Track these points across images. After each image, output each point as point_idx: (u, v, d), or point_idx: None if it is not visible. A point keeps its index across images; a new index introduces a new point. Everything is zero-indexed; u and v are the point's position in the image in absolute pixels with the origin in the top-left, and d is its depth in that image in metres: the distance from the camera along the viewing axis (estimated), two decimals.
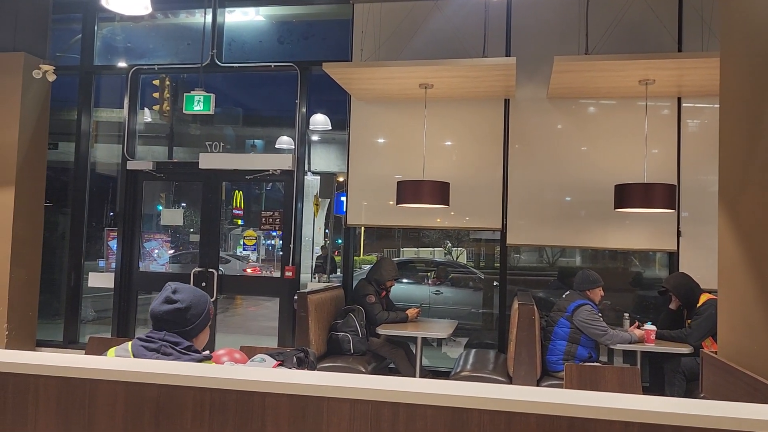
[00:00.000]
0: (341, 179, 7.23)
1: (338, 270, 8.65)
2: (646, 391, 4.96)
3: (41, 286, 6.71)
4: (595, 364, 4.60)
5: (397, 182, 5.28)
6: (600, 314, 4.87)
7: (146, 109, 7.12)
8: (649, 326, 4.80)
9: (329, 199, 9.36)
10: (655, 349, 4.75)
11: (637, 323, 5.03)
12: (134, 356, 2.15)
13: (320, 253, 6.65)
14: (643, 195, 4.80)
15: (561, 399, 1.70)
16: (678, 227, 5.57)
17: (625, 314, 5.27)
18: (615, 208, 5.05)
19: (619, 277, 6.50)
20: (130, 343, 2.23)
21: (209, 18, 6.64)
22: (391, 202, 6.00)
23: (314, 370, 2.73)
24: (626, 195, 4.89)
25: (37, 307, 6.63)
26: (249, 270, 7.28)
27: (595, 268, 5.61)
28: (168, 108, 6.95)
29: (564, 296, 5.06)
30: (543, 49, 5.80)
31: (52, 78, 6.07)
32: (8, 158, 6.28)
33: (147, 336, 2.20)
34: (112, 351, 2.24)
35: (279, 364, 2.33)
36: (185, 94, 6.18)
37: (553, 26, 5.83)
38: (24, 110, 6.36)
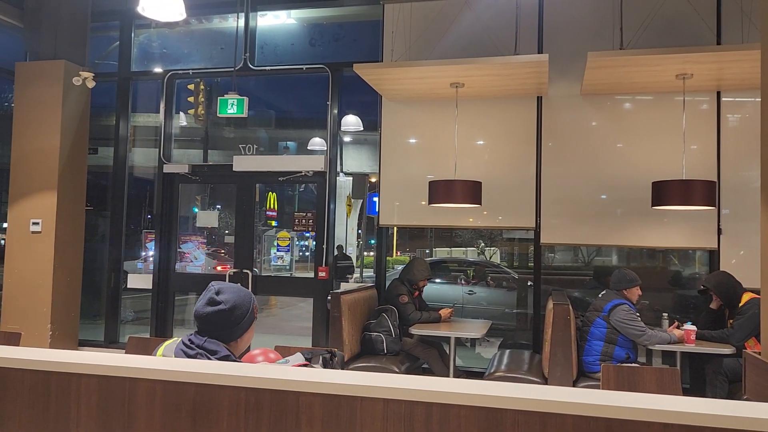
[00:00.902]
0: (373, 180, 7.25)
1: (355, 271, 8.65)
2: (687, 392, 4.85)
3: (83, 288, 6.90)
4: (633, 364, 4.52)
5: (429, 182, 5.27)
6: (638, 314, 4.77)
7: (181, 113, 7.26)
8: (689, 326, 4.68)
9: (362, 200, 9.40)
10: (696, 349, 4.63)
11: (676, 323, 4.91)
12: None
13: (336, 253, 6.64)
14: (682, 192, 4.69)
15: (598, 400, 1.67)
16: (718, 225, 5.42)
17: (664, 314, 5.15)
18: (653, 205, 4.94)
19: (657, 276, 6.37)
20: (176, 343, 2.27)
21: (242, 22, 6.73)
22: (423, 202, 5.99)
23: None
24: (664, 192, 4.79)
25: (79, 308, 6.82)
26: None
27: (632, 267, 5.50)
28: (203, 112, 7.06)
29: (600, 296, 4.98)
30: (576, 45, 5.72)
31: (91, 85, 6.24)
32: (50, 163, 6.47)
33: (189, 340, 2.23)
34: (161, 350, 2.29)
35: (303, 365, 2.35)
36: (219, 97, 6.27)
37: (586, 21, 5.74)
38: (65, 117, 6.55)
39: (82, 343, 6.97)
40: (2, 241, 7.25)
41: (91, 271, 7.32)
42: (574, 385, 4.64)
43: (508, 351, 5.69)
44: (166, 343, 2.32)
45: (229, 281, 6.58)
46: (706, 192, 4.68)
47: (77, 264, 6.80)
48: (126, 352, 3.17)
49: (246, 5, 6.72)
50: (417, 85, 5.55)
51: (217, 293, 2.26)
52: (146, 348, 3.12)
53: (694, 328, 4.67)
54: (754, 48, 4.34)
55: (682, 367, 4.81)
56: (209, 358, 2.17)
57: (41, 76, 6.55)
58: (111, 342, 7.05)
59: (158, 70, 7.14)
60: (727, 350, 4.55)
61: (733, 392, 4.58)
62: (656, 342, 4.64)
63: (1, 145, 7.58)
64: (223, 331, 2.25)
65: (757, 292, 4.38)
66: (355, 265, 9.25)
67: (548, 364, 4.59)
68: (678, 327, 4.81)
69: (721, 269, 5.24)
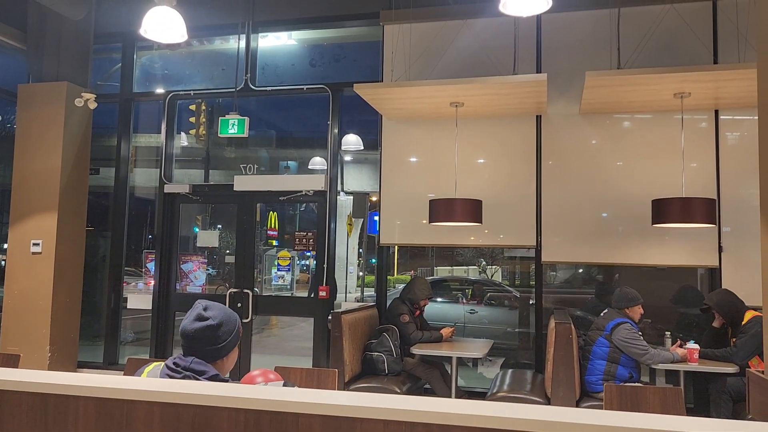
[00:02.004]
0: (374, 199, 7.26)
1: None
2: (691, 412, 4.80)
3: (82, 308, 6.87)
4: (636, 384, 4.48)
5: (430, 200, 5.27)
6: (640, 333, 4.75)
7: (183, 134, 7.29)
8: (692, 345, 4.65)
9: (362, 219, 9.40)
10: (699, 368, 4.60)
11: (679, 342, 4.89)
12: None
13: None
14: (682, 210, 4.70)
15: (602, 420, 1.65)
16: (719, 242, 5.42)
17: (667, 333, 5.12)
18: (653, 223, 4.94)
19: (659, 295, 6.33)
20: (161, 367, 2.23)
21: (243, 43, 6.80)
22: (424, 221, 6.00)
23: None
24: (664, 210, 4.79)
25: (78, 329, 6.79)
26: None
27: (633, 286, 5.48)
28: (204, 132, 7.10)
29: (602, 314, 4.95)
30: (574, 65, 5.77)
31: (93, 106, 6.28)
32: (52, 183, 6.49)
33: (174, 363, 2.18)
34: (145, 373, 2.26)
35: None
36: (220, 118, 6.31)
37: (584, 41, 5.79)
38: (66, 137, 6.58)
39: (82, 365, 6.92)
40: (2, 262, 7.24)
41: (91, 291, 7.30)
42: (577, 405, 4.60)
43: (510, 371, 5.65)
44: (148, 368, 2.27)
45: (230, 301, 6.59)
46: (706, 210, 4.68)
47: (77, 285, 6.79)
48: (125, 374, 3.15)
49: (247, 27, 6.80)
50: (417, 104, 5.58)
51: (205, 309, 2.24)
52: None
53: (697, 346, 4.64)
54: (751, 67, 4.38)
55: (685, 387, 4.77)
56: (197, 380, 2.13)
57: (43, 97, 6.60)
58: (110, 363, 7.01)
59: (160, 91, 7.19)
60: (730, 369, 4.52)
61: (737, 412, 4.53)
62: (659, 361, 4.61)
63: (2, 165, 7.61)
64: (211, 349, 2.21)
65: (759, 309, 4.37)
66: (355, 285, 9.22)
67: (551, 384, 4.56)
68: (681, 346, 4.78)
69: (723, 287, 5.22)
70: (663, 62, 5.51)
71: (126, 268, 7.26)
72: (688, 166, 5.49)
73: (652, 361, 4.62)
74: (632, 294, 4.89)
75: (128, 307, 7.06)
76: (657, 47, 5.58)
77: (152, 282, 6.98)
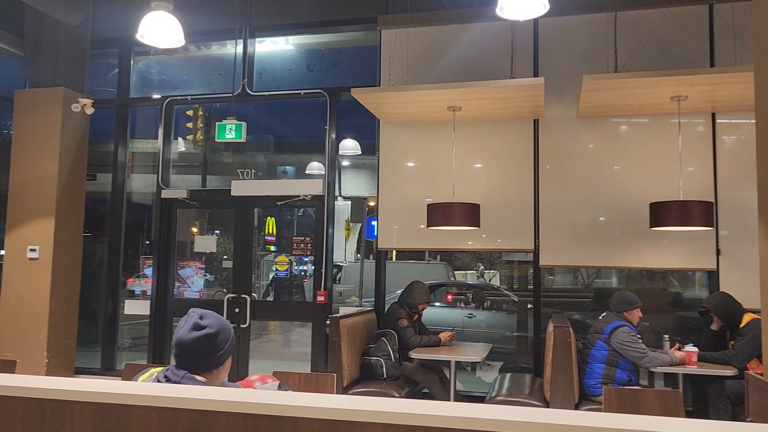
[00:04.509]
0: (372, 203, 7.26)
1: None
2: (690, 415, 4.79)
3: (80, 314, 6.84)
4: (635, 387, 4.47)
5: (428, 205, 5.27)
6: (639, 336, 4.74)
7: (180, 139, 7.29)
8: (691, 348, 4.65)
9: (360, 224, 9.40)
10: (698, 371, 4.59)
11: (677, 345, 4.88)
12: None
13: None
14: (680, 213, 4.70)
15: (601, 422, 1.65)
16: (717, 245, 5.42)
17: (665, 336, 5.11)
18: (651, 226, 4.94)
19: (657, 298, 6.34)
20: (152, 378, 2.20)
21: (240, 48, 6.80)
22: (422, 226, 5.99)
23: None
24: (662, 213, 4.79)
25: (75, 335, 6.77)
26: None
27: (632, 289, 5.48)
28: (201, 137, 7.09)
29: (601, 318, 4.95)
30: (571, 69, 5.78)
31: (90, 111, 6.27)
32: (48, 189, 6.48)
33: (165, 377, 2.14)
34: (143, 378, 2.24)
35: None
36: (217, 123, 6.31)
37: (581, 45, 5.80)
38: (63, 143, 6.57)
39: (79, 371, 6.89)
40: None
41: (88, 297, 7.28)
42: (576, 409, 4.59)
43: (509, 375, 5.64)
44: (142, 377, 2.24)
45: (228, 306, 6.57)
46: (703, 213, 4.68)
47: (74, 290, 6.77)
48: (122, 380, 3.13)
49: (244, 32, 6.80)
50: (414, 109, 5.58)
51: (201, 318, 2.20)
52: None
53: (695, 349, 4.63)
54: (748, 70, 4.39)
55: (684, 390, 4.76)
56: None
57: (40, 103, 6.59)
58: (108, 369, 6.98)
59: (157, 96, 7.18)
60: (729, 372, 4.51)
61: (736, 414, 4.52)
62: (658, 364, 4.60)
63: None
64: (207, 359, 2.17)
65: (757, 312, 4.36)
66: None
67: (550, 388, 4.55)
68: (679, 349, 4.78)
69: (721, 290, 5.22)
70: (660, 66, 5.53)
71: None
72: (686, 170, 5.50)
73: (650, 364, 4.61)
74: (631, 297, 4.88)
75: (126, 312, 7.04)
76: (654, 51, 5.60)
77: (149, 288, 6.96)
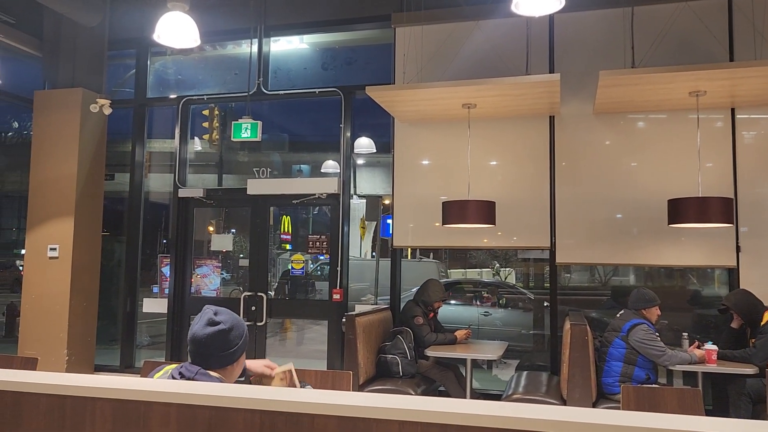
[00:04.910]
0: (387, 202, 7.26)
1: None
2: (710, 414, 4.74)
3: (99, 313, 6.92)
4: (653, 385, 4.43)
5: (443, 203, 5.26)
6: (657, 334, 4.70)
7: (196, 138, 7.34)
8: (710, 346, 4.60)
9: (375, 222, 9.39)
10: (718, 369, 4.54)
11: (697, 343, 4.83)
12: None
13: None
14: (699, 209, 4.64)
15: (620, 420, 1.63)
16: (737, 242, 5.35)
17: (684, 334, 5.06)
18: (669, 223, 4.89)
19: (676, 296, 6.27)
20: (167, 375, 2.22)
21: (255, 48, 6.83)
22: (437, 224, 5.98)
23: None
24: (681, 210, 4.74)
25: (95, 333, 6.85)
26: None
27: (650, 287, 5.42)
28: (217, 136, 7.14)
29: (618, 315, 4.91)
30: (587, 65, 5.73)
31: (108, 112, 6.34)
32: (68, 189, 6.56)
33: (179, 374, 2.17)
34: (158, 375, 2.26)
35: None
36: (233, 122, 6.34)
37: (597, 40, 5.75)
38: (82, 143, 6.65)
39: (98, 368, 6.98)
40: (20, 267, 7.32)
41: (107, 296, 7.36)
42: (593, 407, 4.55)
43: (525, 373, 5.61)
44: (157, 375, 2.26)
45: (244, 304, 6.60)
46: (723, 209, 4.62)
47: (94, 289, 6.85)
48: (141, 377, 3.16)
49: (259, 31, 6.83)
50: (429, 106, 5.57)
51: (215, 314, 2.22)
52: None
53: (715, 347, 4.58)
54: None
55: (704, 388, 4.71)
56: None
57: (59, 103, 6.68)
58: (127, 367, 7.06)
59: (173, 96, 7.24)
60: (749, 370, 4.46)
61: (757, 413, 4.47)
62: (676, 362, 4.56)
63: (20, 172, 7.70)
64: (221, 354, 2.19)
65: None
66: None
67: (567, 386, 4.52)
68: (699, 347, 4.73)
69: (741, 287, 5.15)
70: (678, 61, 5.46)
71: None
72: (704, 166, 5.43)
73: (669, 363, 4.57)
74: (649, 295, 4.84)
75: (144, 311, 7.11)
76: (671, 46, 5.53)
77: (167, 286, 7.02)
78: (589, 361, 4.49)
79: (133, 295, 7.16)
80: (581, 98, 5.75)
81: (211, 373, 2.19)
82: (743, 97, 5.10)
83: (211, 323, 2.20)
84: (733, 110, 5.43)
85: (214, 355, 2.19)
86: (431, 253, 8.89)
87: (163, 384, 2.05)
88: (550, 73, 5.78)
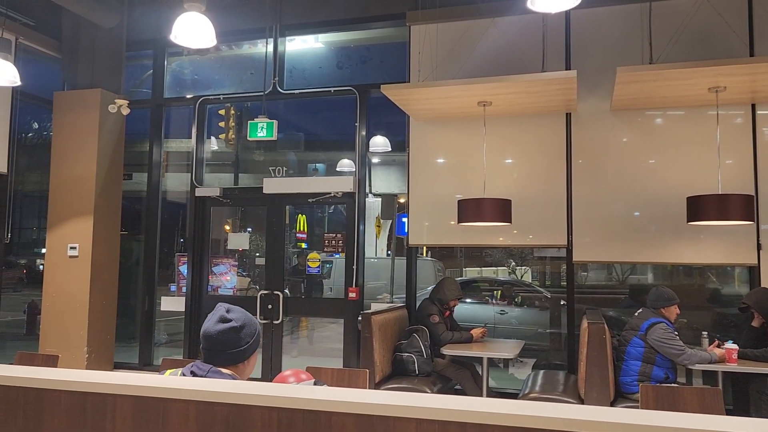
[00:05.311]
0: (402, 200, 7.25)
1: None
2: (730, 413, 4.68)
3: (118, 311, 7.00)
4: (672, 385, 4.39)
5: (458, 201, 5.25)
6: (676, 333, 4.65)
7: (213, 138, 7.39)
8: (731, 345, 4.54)
9: (391, 220, 9.39)
10: (738, 369, 4.48)
11: (716, 342, 4.77)
12: None
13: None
14: (719, 206, 4.58)
15: (639, 419, 1.62)
16: (758, 240, 5.27)
17: (704, 333, 5.00)
18: (688, 221, 4.83)
19: (695, 294, 6.20)
20: (178, 374, 2.23)
21: (271, 47, 6.86)
22: (453, 222, 5.97)
23: None
24: (700, 207, 4.68)
25: (114, 331, 6.93)
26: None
27: (669, 285, 5.36)
28: (233, 136, 7.18)
29: (636, 314, 4.86)
30: (604, 61, 5.68)
31: (126, 112, 6.41)
32: (87, 189, 6.64)
33: (191, 372, 2.19)
34: (167, 373, 2.28)
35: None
36: (249, 121, 6.38)
37: (614, 36, 5.70)
38: (101, 143, 6.73)
39: (117, 366, 7.06)
40: (41, 266, 7.42)
41: (126, 294, 7.44)
42: (611, 407, 4.52)
43: (542, 372, 5.58)
44: (167, 372, 2.29)
45: (260, 303, 6.64)
46: (743, 206, 4.56)
47: (113, 287, 6.93)
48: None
49: (275, 31, 6.86)
50: (444, 104, 5.56)
51: (228, 311, 2.25)
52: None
53: (735, 346, 4.52)
54: None
55: (724, 388, 4.65)
56: None
57: (78, 104, 6.76)
58: (145, 364, 7.13)
59: (190, 96, 7.29)
60: None
61: None
62: (696, 361, 4.51)
63: (40, 172, 7.80)
64: (233, 352, 2.21)
65: None
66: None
67: (584, 385, 4.49)
68: (719, 346, 4.67)
69: (762, 286, 5.08)
70: (696, 56, 5.40)
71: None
72: (724, 162, 5.36)
73: (688, 362, 4.52)
74: (668, 293, 4.78)
75: (162, 309, 7.18)
76: (690, 41, 5.47)
77: (184, 284, 7.08)
78: (607, 359, 4.45)
79: (152, 294, 7.23)
80: (598, 95, 5.70)
81: (223, 370, 2.21)
82: (764, 92, 5.02)
83: (223, 320, 2.23)
84: (753, 106, 5.35)
85: (225, 351, 2.21)
86: (428, 252, 8.88)
87: (181, 381, 2.07)
88: (566, 70, 5.74)
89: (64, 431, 2.09)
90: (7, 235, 6.79)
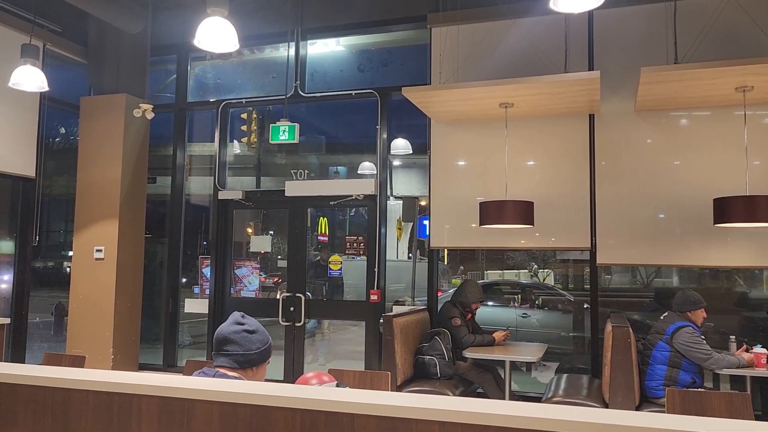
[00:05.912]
0: (423, 203, 7.24)
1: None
2: (759, 419, 4.58)
3: (142, 312, 7.09)
4: (699, 389, 4.31)
5: (480, 203, 5.22)
6: (703, 337, 4.57)
7: (235, 141, 7.46)
8: (759, 349, 4.45)
9: (412, 223, 9.38)
10: (767, 374, 4.39)
11: (745, 346, 4.67)
12: None
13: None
14: (746, 208, 4.49)
15: (667, 424, 1.59)
16: None
17: (731, 337, 4.91)
18: (715, 223, 4.75)
19: (722, 298, 6.09)
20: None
21: (292, 51, 6.90)
22: (474, 224, 5.94)
23: None
24: (727, 209, 4.60)
25: (139, 332, 7.02)
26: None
27: (695, 288, 5.28)
28: (255, 139, 7.24)
29: (662, 318, 4.79)
30: (628, 61, 5.61)
31: (150, 116, 6.49)
32: (113, 193, 6.74)
33: (202, 371, 2.28)
34: None
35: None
36: (271, 125, 6.42)
37: (638, 36, 5.63)
38: (126, 147, 6.83)
39: (142, 367, 7.14)
40: (68, 268, 7.56)
41: (150, 296, 7.54)
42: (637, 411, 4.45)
43: (565, 375, 5.53)
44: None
45: (282, 305, 6.67)
46: None
47: (137, 289, 7.02)
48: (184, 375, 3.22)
49: (296, 35, 6.90)
50: (466, 106, 5.54)
51: (242, 317, 2.38)
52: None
53: (764, 351, 4.43)
54: None
55: (752, 393, 4.56)
56: None
57: (104, 109, 6.87)
58: (169, 365, 7.20)
59: (212, 100, 7.37)
60: None
61: None
62: (723, 366, 4.42)
63: (67, 176, 7.95)
64: (242, 354, 2.28)
65: None
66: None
67: (609, 389, 4.43)
68: (747, 350, 4.58)
69: None
70: (723, 55, 5.30)
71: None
72: (752, 163, 5.26)
73: (716, 366, 4.43)
74: (695, 297, 4.70)
75: (186, 311, 7.25)
76: (716, 40, 5.38)
77: (207, 286, 7.15)
78: (632, 363, 4.39)
79: (175, 296, 7.31)
80: (622, 96, 5.63)
81: (229, 373, 2.26)
82: None
83: (237, 323, 2.35)
84: None
85: (234, 353, 2.28)
86: (447, 255, 8.84)
87: (206, 382, 2.09)
88: (589, 70, 5.69)
89: (91, 430, 2.12)
90: (36, 238, 6.92)
